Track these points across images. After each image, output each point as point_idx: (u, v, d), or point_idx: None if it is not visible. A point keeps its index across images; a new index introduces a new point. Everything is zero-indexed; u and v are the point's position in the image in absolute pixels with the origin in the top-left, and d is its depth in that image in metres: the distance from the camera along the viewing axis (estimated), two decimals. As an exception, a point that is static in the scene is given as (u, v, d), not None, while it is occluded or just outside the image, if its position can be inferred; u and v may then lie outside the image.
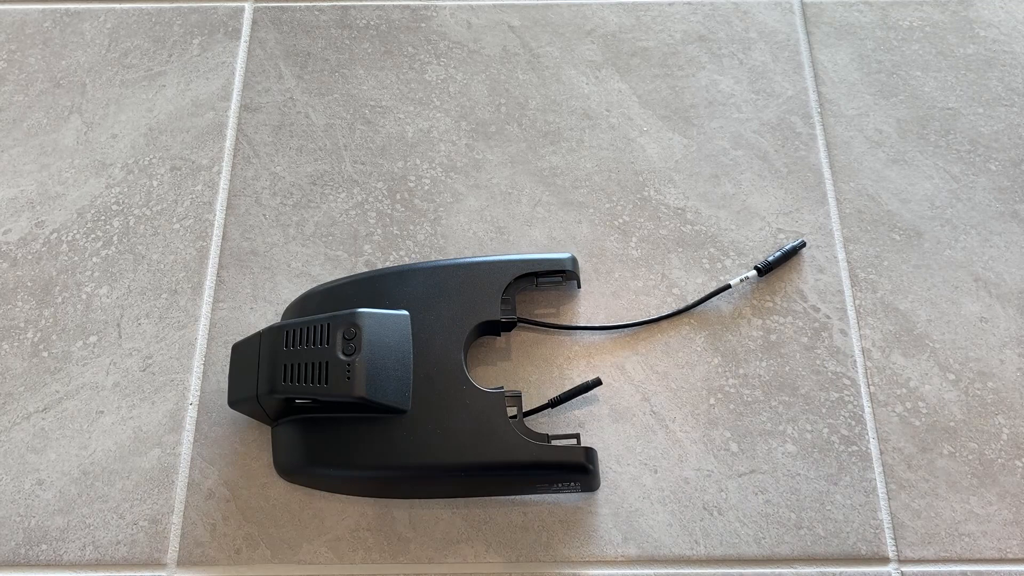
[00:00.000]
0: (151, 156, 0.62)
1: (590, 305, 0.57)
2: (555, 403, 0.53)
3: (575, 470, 0.49)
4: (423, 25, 0.67)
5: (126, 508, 0.51)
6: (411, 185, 0.61)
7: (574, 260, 0.56)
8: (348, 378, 0.47)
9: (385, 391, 0.48)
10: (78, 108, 0.64)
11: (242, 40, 0.66)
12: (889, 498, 0.51)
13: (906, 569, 0.49)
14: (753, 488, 0.51)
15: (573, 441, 0.50)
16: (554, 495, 0.51)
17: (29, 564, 0.50)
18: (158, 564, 0.50)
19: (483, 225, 0.59)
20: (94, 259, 0.58)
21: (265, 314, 0.57)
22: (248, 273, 0.58)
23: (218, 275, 0.58)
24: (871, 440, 0.52)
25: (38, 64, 0.66)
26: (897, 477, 0.51)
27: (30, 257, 0.59)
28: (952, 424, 0.53)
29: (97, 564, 0.50)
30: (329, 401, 0.48)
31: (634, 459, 0.52)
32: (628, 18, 0.67)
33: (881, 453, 0.52)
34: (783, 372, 0.54)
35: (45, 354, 0.55)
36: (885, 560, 0.50)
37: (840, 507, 0.51)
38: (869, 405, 0.53)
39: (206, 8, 0.68)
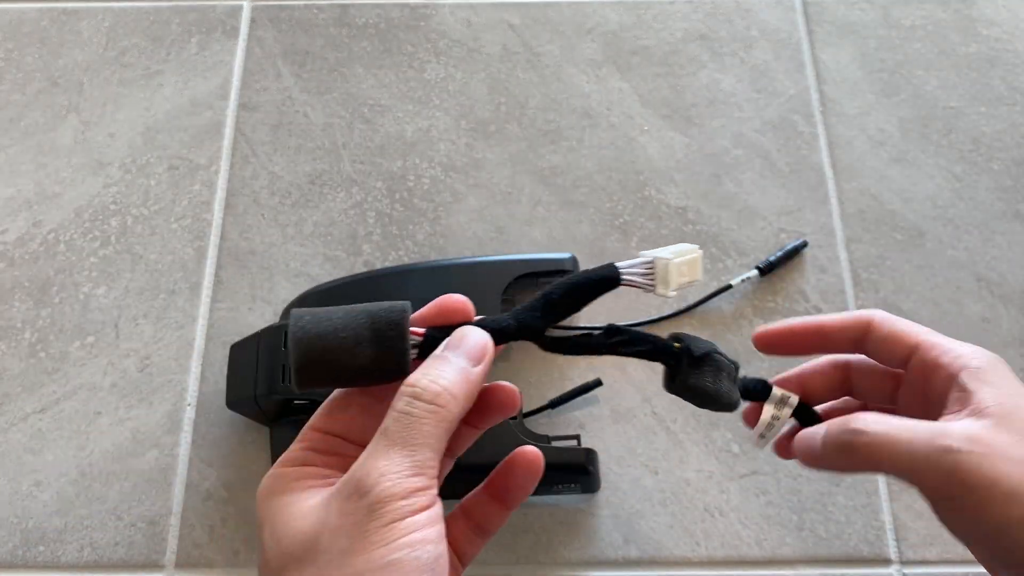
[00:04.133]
0: (149, 155, 0.62)
1: (590, 305, 0.56)
2: (555, 404, 0.52)
3: (575, 471, 0.48)
4: (422, 23, 0.67)
5: (124, 509, 0.51)
6: (410, 184, 0.60)
7: (574, 260, 0.56)
8: (347, 379, 0.47)
9: (384, 392, 0.48)
10: (75, 107, 0.63)
11: (240, 39, 0.66)
12: (891, 499, 0.51)
13: (908, 571, 0.49)
14: (755, 489, 0.51)
15: (573, 442, 0.50)
16: (554, 496, 0.51)
17: (27, 566, 0.50)
18: (156, 566, 0.50)
19: (483, 225, 0.59)
20: (92, 259, 0.58)
21: (263, 314, 0.56)
22: (246, 273, 0.58)
23: (216, 275, 0.58)
24: (873, 441, 0.52)
25: (35, 63, 0.65)
26: (899, 478, 0.51)
27: (27, 257, 0.58)
28: (954, 425, 0.53)
29: (95, 565, 0.50)
30: (328, 402, 0.48)
31: (635, 460, 0.52)
32: (629, 16, 0.67)
33: (883, 454, 0.52)
34: (785, 373, 0.54)
35: (43, 355, 0.55)
36: (887, 561, 0.49)
37: (842, 508, 0.51)
38: (871, 406, 0.53)
39: (204, 7, 0.67)
